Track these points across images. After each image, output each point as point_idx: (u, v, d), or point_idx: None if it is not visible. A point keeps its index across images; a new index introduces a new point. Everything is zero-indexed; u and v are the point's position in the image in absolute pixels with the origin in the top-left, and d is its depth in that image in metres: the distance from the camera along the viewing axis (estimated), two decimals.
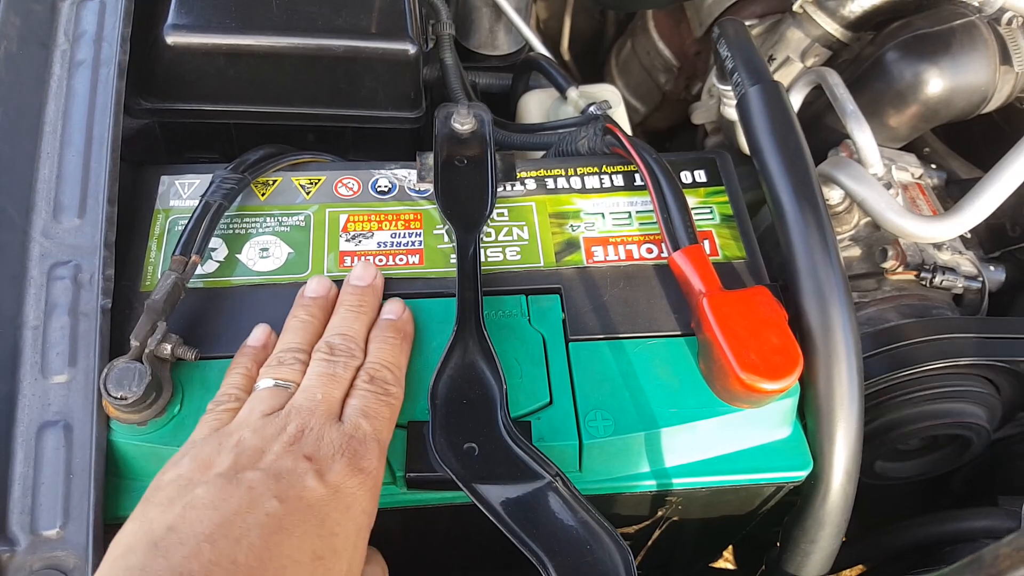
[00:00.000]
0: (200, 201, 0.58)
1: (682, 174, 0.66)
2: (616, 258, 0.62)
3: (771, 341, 0.54)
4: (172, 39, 0.63)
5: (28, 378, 0.52)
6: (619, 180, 0.66)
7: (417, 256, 0.60)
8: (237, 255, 0.59)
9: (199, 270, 0.58)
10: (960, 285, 0.76)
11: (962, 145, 0.94)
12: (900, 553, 0.76)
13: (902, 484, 0.84)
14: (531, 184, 0.65)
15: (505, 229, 0.62)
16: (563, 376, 0.56)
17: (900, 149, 0.90)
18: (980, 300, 0.80)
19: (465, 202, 0.61)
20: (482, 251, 0.61)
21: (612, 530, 0.48)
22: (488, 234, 0.62)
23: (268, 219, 0.61)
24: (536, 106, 0.82)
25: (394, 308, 0.57)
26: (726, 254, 0.63)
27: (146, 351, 0.51)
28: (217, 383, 0.54)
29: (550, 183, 0.65)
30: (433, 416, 0.52)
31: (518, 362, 0.57)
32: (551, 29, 1.14)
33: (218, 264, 0.59)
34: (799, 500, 0.60)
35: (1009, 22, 0.81)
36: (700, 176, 0.66)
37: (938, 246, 0.80)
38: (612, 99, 0.81)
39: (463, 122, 0.66)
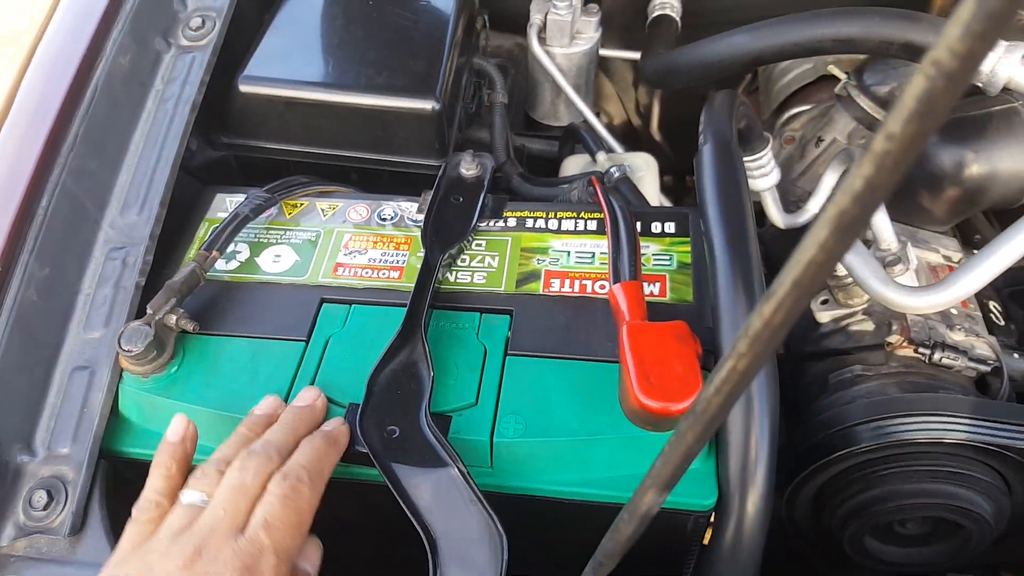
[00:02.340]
0: (231, 212, 0.72)
1: (652, 224, 0.72)
2: (570, 290, 0.68)
3: (675, 368, 0.58)
4: (244, 88, 0.79)
5: (73, 331, 0.67)
6: (592, 225, 0.73)
7: (398, 272, 0.71)
8: (256, 258, 0.72)
9: (224, 266, 0.72)
10: (963, 365, 0.75)
11: None
12: None
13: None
14: (512, 222, 0.74)
15: (479, 257, 0.71)
16: (493, 384, 0.63)
17: (949, 233, 0.89)
18: (1000, 386, 0.77)
19: (445, 231, 0.71)
20: (454, 273, 0.70)
21: (495, 518, 0.54)
22: (463, 260, 0.71)
23: (287, 233, 0.74)
24: (574, 167, 0.91)
25: (319, 403, 0.62)
26: (674, 296, 0.67)
27: (156, 318, 0.64)
28: (214, 354, 0.66)
29: (529, 222, 0.73)
30: (366, 400, 0.60)
31: (457, 367, 0.64)
32: (647, 114, 1.22)
33: (239, 264, 0.72)
34: (711, 538, 0.62)
35: None
36: (669, 227, 0.72)
37: (951, 326, 0.79)
38: (640, 165, 0.88)
39: (468, 168, 0.76)
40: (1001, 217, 0.92)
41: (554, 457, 0.61)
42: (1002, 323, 0.81)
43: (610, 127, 1.09)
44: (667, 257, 0.70)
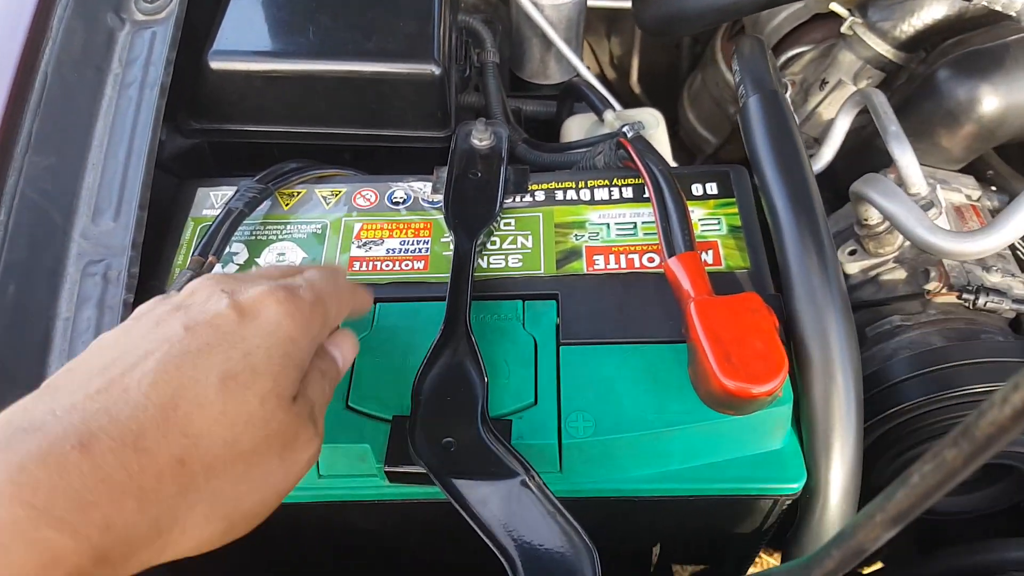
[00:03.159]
0: (223, 208, 0.63)
1: (693, 186, 0.66)
2: (616, 267, 0.62)
3: (755, 346, 0.53)
4: (215, 64, 0.70)
5: (55, 364, 0.57)
6: (628, 192, 0.67)
7: (423, 262, 0.63)
8: (256, 259, 0.64)
9: (220, 272, 0.63)
10: (1007, 307, 0.72)
11: None
12: None
13: (963, 520, 0.79)
14: (540, 196, 0.67)
15: (510, 238, 0.64)
16: (551, 378, 0.57)
17: (961, 171, 0.86)
18: None
19: (471, 212, 0.64)
20: (485, 259, 0.63)
21: (580, 530, 0.48)
22: (493, 242, 0.64)
23: (288, 227, 0.65)
24: (577, 129, 0.84)
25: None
26: (730, 264, 0.62)
27: None
28: None
29: (559, 195, 0.67)
30: (414, 411, 0.53)
31: (507, 363, 0.58)
32: (624, 64, 1.16)
33: (237, 267, 0.63)
34: (797, 517, 0.59)
35: None
36: (711, 188, 0.66)
37: (987, 268, 0.76)
38: (650, 121, 0.82)
39: (481, 138, 0.68)
40: (1009, 151, 0.89)
41: (630, 454, 0.55)
42: None
43: None
44: (715, 221, 0.64)
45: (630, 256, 0.63)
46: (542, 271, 0.62)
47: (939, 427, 0.70)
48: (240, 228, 0.64)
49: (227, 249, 0.63)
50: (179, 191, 0.68)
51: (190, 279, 0.58)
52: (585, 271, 0.62)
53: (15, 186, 0.60)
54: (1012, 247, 0.80)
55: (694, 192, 0.66)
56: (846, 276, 0.80)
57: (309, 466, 0.44)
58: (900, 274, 0.78)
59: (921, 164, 0.83)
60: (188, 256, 0.63)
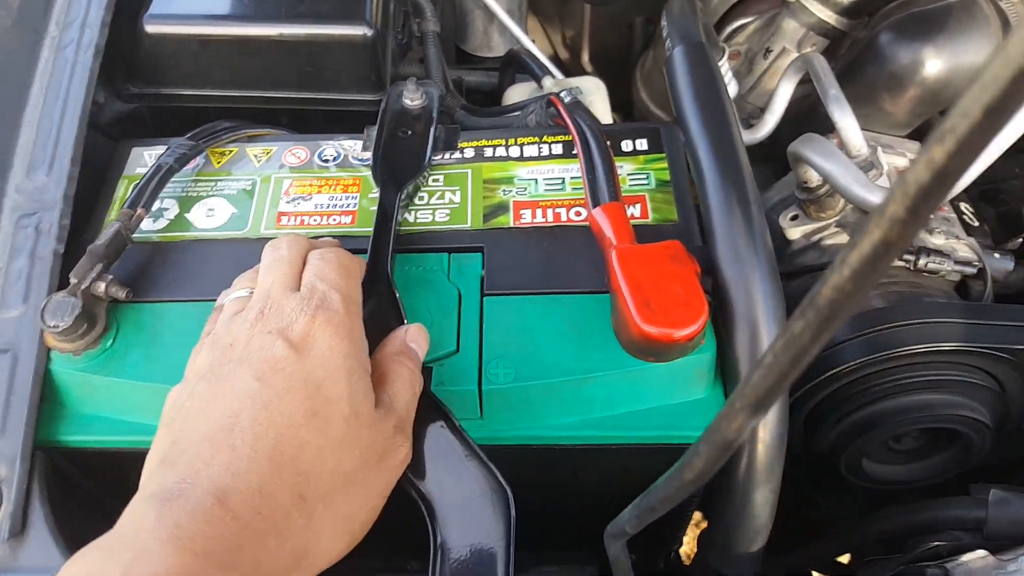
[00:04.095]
0: (154, 164, 0.64)
1: (623, 143, 0.67)
2: (543, 220, 0.63)
3: (675, 292, 0.53)
4: (150, 28, 0.70)
5: None
6: (557, 149, 0.67)
7: (350, 217, 0.64)
8: (186, 215, 0.64)
9: (151, 226, 0.63)
10: (947, 268, 0.72)
11: None
12: (866, 546, 0.72)
13: (906, 490, 0.79)
14: (470, 153, 0.67)
15: (438, 193, 0.65)
16: (473, 328, 0.57)
17: (908, 137, 0.86)
18: (984, 289, 0.75)
19: (398, 167, 0.64)
20: (412, 213, 0.64)
21: (496, 472, 0.49)
22: (421, 198, 0.65)
23: (218, 183, 0.66)
24: (518, 97, 0.85)
25: None
26: (657, 217, 0.63)
27: (82, 288, 0.56)
28: (152, 324, 0.58)
29: (488, 152, 0.67)
30: None
31: (430, 313, 0.58)
32: (576, 44, 1.17)
33: (168, 222, 0.64)
34: (724, 470, 0.59)
35: None
36: (641, 144, 0.67)
37: (930, 230, 0.76)
38: (589, 87, 0.83)
39: (412, 98, 0.69)
40: None
41: (550, 400, 0.56)
42: (976, 224, 0.79)
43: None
44: (644, 176, 0.65)
45: (557, 210, 0.63)
46: (468, 225, 0.63)
47: (880, 389, 0.70)
48: (172, 184, 0.65)
49: (158, 204, 0.64)
50: (114, 151, 0.69)
51: (117, 231, 0.59)
52: (512, 224, 0.63)
53: None
54: (958, 212, 0.81)
55: (623, 148, 0.67)
56: (789, 242, 0.80)
57: (404, 465, 0.49)
58: (842, 238, 0.78)
59: (867, 129, 0.84)
60: (119, 211, 0.64)
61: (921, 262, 0.72)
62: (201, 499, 0.39)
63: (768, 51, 0.91)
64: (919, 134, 0.86)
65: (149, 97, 0.74)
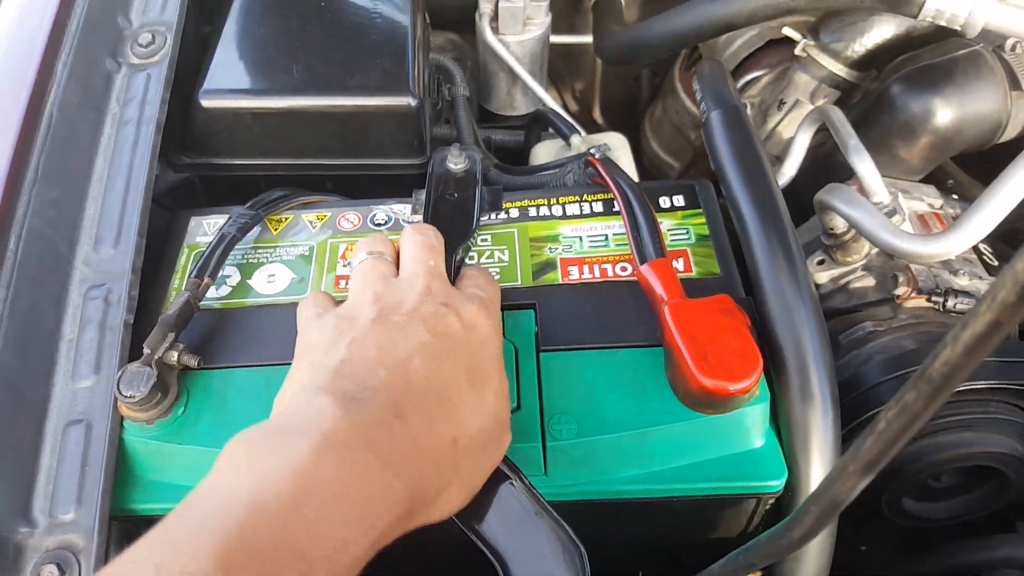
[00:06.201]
0: (217, 233, 0.66)
1: (660, 199, 0.70)
2: (591, 276, 0.65)
3: (730, 344, 0.55)
4: (206, 102, 0.73)
5: (60, 383, 0.60)
6: (598, 207, 0.70)
7: None
8: (248, 281, 0.67)
9: (215, 294, 0.66)
10: (971, 308, 0.75)
11: (989, 176, 0.93)
12: None
13: (946, 526, 0.81)
14: (515, 213, 0.70)
15: (487, 252, 0.68)
16: (532, 384, 0.60)
17: (922, 181, 0.90)
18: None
19: (448, 229, 0.67)
20: None
21: (568, 529, 0.50)
22: (471, 258, 0.67)
23: (278, 250, 0.69)
24: (545, 155, 0.88)
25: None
26: (700, 271, 0.65)
27: (155, 357, 0.59)
28: (220, 390, 0.60)
29: (533, 212, 0.70)
30: None
31: None
32: (586, 98, 1.21)
33: (231, 289, 0.67)
34: (781, 515, 0.61)
35: (1013, 48, 0.82)
36: (678, 201, 0.70)
37: (954, 272, 0.79)
38: (615, 144, 0.86)
39: (456, 162, 0.72)
40: (967, 160, 0.93)
41: (612, 455, 0.57)
42: (996, 263, 0.82)
43: None
44: (683, 231, 0.68)
45: (603, 266, 0.66)
46: (519, 282, 0.66)
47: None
48: (232, 252, 0.67)
49: (221, 271, 0.66)
50: (173, 221, 0.71)
51: (187, 301, 0.61)
52: (560, 281, 0.65)
53: (23, 217, 0.63)
54: (978, 252, 0.84)
55: (662, 204, 0.70)
56: (816, 286, 0.83)
57: (508, 444, 0.53)
58: (869, 281, 0.81)
59: (882, 175, 0.87)
60: (184, 279, 0.66)
61: (950, 303, 0.75)
62: (382, 409, 0.43)
63: (782, 103, 0.95)
64: (932, 178, 0.90)
65: (201, 167, 0.77)
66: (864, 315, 0.79)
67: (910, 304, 0.77)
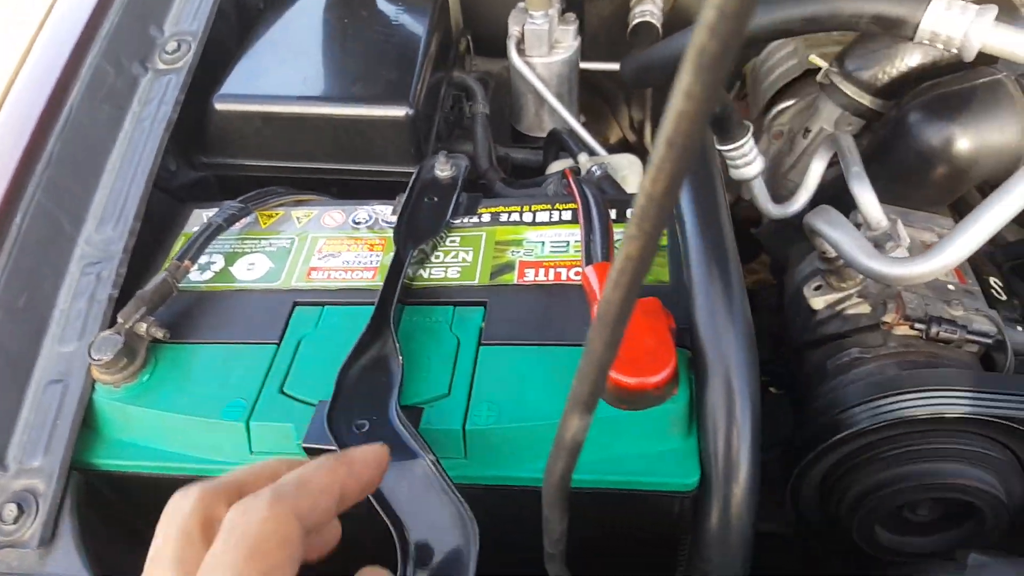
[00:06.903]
0: (204, 222, 0.72)
1: (629, 211, 0.71)
2: (545, 279, 0.67)
3: (646, 343, 0.56)
4: (219, 106, 0.80)
5: (47, 346, 0.67)
6: (567, 215, 0.72)
7: (371, 272, 0.70)
8: (230, 268, 0.72)
9: (198, 277, 0.71)
10: (958, 338, 0.71)
11: None
12: None
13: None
14: (487, 217, 0.73)
15: (453, 252, 0.70)
16: (466, 374, 0.62)
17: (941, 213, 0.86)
18: (1006, 363, 0.74)
19: (418, 229, 0.70)
20: (427, 270, 0.69)
21: (465, 504, 0.51)
22: (437, 256, 0.70)
23: (262, 242, 0.74)
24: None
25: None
26: (650, 278, 0.66)
27: (126, 327, 0.64)
28: (185, 362, 0.65)
29: (504, 217, 0.72)
30: (335, 396, 0.59)
31: (429, 359, 0.63)
32: (641, 127, 1.22)
33: (213, 274, 0.72)
34: (698, 518, 0.60)
35: None
36: None
37: (949, 302, 0.76)
38: (623, 164, 0.87)
39: (442, 168, 0.75)
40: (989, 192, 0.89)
41: (529, 443, 0.59)
42: (1003, 298, 0.78)
43: (606, 145, 1.09)
44: None
45: (558, 270, 0.67)
46: (476, 282, 0.68)
47: (888, 456, 0.70)
48: (223, 242, 0.73)
49: (207, 258, 0.72)
50: (179, 213, 0.78)
51: (163, 280, 0.67)
52: (515, 282, 0.67)
53: (32, 195, 0.71)
54: (986, 285, 0.80)
55: (629, 216, 0.70)
56: (814, 312, 0.81)
57: None
58: (864, 308, 0.78)
59: (902, 207, 0.85)
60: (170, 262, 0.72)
61: (933, 331, 0.72)
62: None
63: (807, 130, 0.94)
64: (956, 209, 0.87)
65: (216, 167, 0.84)
66: (853, 341, 0.77)
67: (899, 331, 0.74)
